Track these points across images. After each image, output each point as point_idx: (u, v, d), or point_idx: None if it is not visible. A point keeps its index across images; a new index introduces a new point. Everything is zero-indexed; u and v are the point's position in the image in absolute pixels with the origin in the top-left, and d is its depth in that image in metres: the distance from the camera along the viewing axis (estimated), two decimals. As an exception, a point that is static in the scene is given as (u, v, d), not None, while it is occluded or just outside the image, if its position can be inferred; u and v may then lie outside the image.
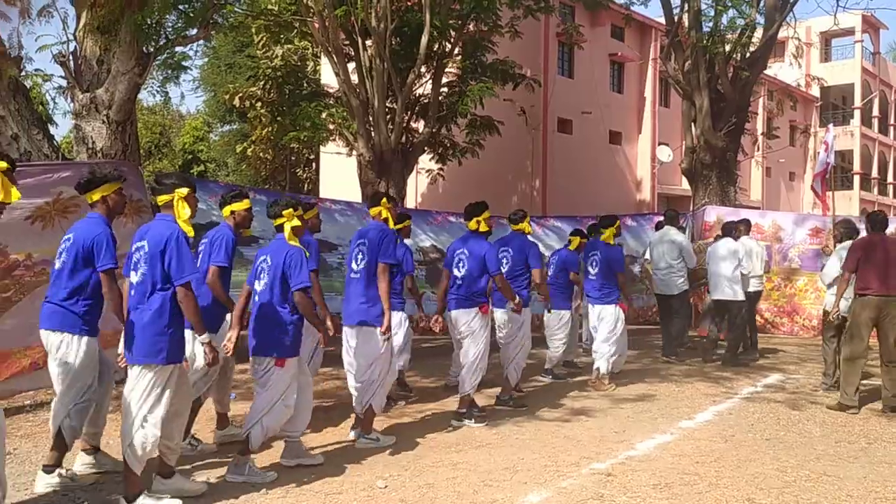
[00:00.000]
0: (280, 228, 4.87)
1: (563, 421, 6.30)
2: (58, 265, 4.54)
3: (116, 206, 4.57)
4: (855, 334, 6.58)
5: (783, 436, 5.81)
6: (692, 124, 13.79)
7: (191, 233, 4.27)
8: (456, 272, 6.22)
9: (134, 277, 4.14)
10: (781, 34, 14.59)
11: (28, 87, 7.39)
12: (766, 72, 21.05)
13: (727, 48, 13.35)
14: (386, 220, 5.72)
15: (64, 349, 4.43)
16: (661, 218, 13.08)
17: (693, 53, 13.25)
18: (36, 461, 4.78)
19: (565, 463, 5.00)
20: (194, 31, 7.49)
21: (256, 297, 4.75)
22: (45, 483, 4.36)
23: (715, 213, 12.81)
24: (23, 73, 7.24)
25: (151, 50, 7.18)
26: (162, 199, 4.30)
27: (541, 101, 22.74)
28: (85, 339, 4.48)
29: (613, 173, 26.59)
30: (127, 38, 6.82)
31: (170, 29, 7.31)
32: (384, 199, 5.78)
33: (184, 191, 4.27)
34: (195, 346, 4.61)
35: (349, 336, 5.55)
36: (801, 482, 4.63)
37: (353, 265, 5.56)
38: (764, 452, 5.30)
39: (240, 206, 5.12)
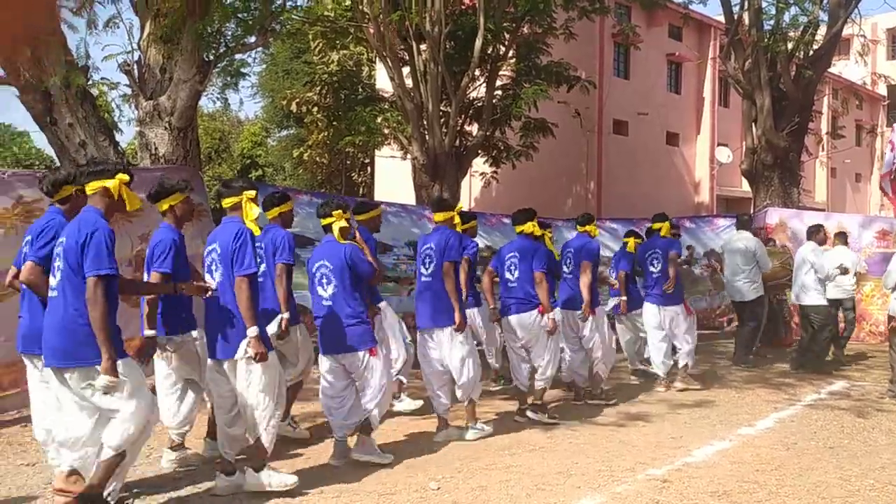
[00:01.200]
0: (328, 229, 5.04)
1: (618, 426, 6.23)
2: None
3: (185, 215, 4.73)
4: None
5: (847, 444, 5.64)
6: (753, 124, 13.47)
7: (257, 232, 4.46)
8: (508, 275, 6.23)
9: (211, 280, 4.32)
10: (846, 31, 14.14)
11: (95, 95, 7.63)
12: (830, 70, 20.49)
13: (789, 46, 13.00)
14: (454, 224, 5.82)
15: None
16: (721, 220, 12.92)
17: (754, 52, 12.96)
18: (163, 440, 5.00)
19: (620, 468, 4.94)
20: (253, 39, 7.65)
21: (327, 303, 4.93)
22: (168, 460, 4.83)
23: (777, 215, 12.49)
24: (90, 82, 7.47)
25: (211, 58, 7.37)
26: (229, 201, 4.45)
27: (596, 102, 22.52)
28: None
29: (670, 175, 26.17)
30: (188, 46, 7.01)
31: (229, 37, 7.47)
32: (458, 205, 5.97)
33: (251, 193, 4.44)
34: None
35: (425, 340, 5.70)
36: (865, 492, 4.49)
37: (423, 270, 5.70)
38: (827, 461, 5.16)
39: (286, 207, 5.28)
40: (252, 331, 4.20)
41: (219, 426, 4.45)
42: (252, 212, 4.39)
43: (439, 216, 5.83)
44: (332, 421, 5.04)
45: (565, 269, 7.10)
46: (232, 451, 4.39)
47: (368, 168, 27.26)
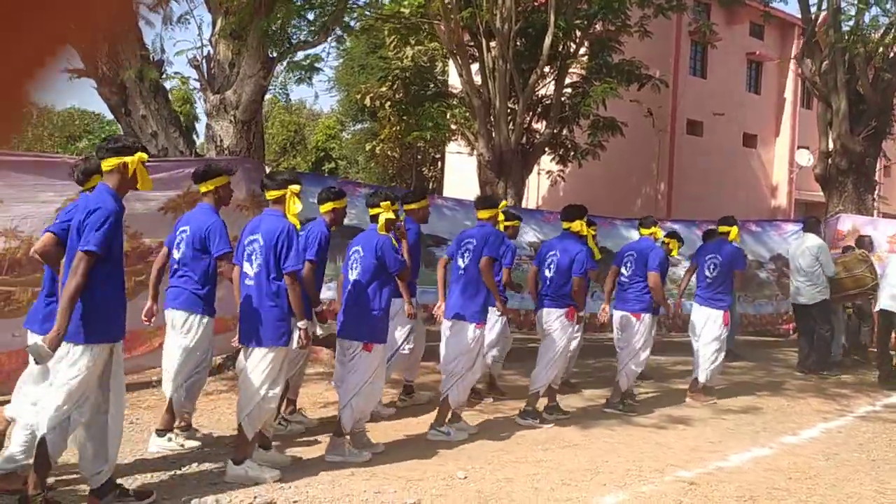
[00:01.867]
0: (374, 219, 5.14)
1: (658, 427, 6.22)
2: (177, 255, 4.99)
3: (225, 197, 4.96)
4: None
5: (892, 458, 5.51)
6: (828, 128, 13.06)
7: (298, 226, 4.61)
8: (546, 272, 6.29)
9: (249, 268, 4.50)
10: None
11: (168, 88, 8.03)
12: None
13: (868, 48, 12.54)
14: (497, 222, 5.90)
15: (187, 327, 4.90)
16: (789, 224, 12.59)
17: (831, 54, 12.55)
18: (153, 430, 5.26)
19: (650, 469, 4.96)
20: (312, 38, 7.90)
21: (350, 286, 5.04)
22: (157, 445, 4.86)
23: (850, 222, 12.10)
24: (163, 76, 7.87)
25: (276, 55, 7.66)
26: (273, 194, 4.60)
27: (669, 101, 22.15)
28: (206, 319, 4.94)
29: (746, 178, 25.47)
30: (254, 43, 7.30)
31: (294, 34, 7.74)
32: (503, 203, 5.99)
33: (296, 187, 4.58)
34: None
35: (445, 327, 5.76)
36: (899, 506, 4.40)
37: (460, 262, 5.75)
38: (866, 473, 5.06)
39: (340, 203, 5.40)
40: (302, 323, 4.44)
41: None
42: (295, 206, 4.56)
43: (483, 213, 5.92)
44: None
45: (624, 271, 7.05)
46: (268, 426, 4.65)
47: (439, 163, 27.52)
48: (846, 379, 8.77)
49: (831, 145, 12.94)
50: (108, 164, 3.83)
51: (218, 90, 7.55)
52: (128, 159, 3.82)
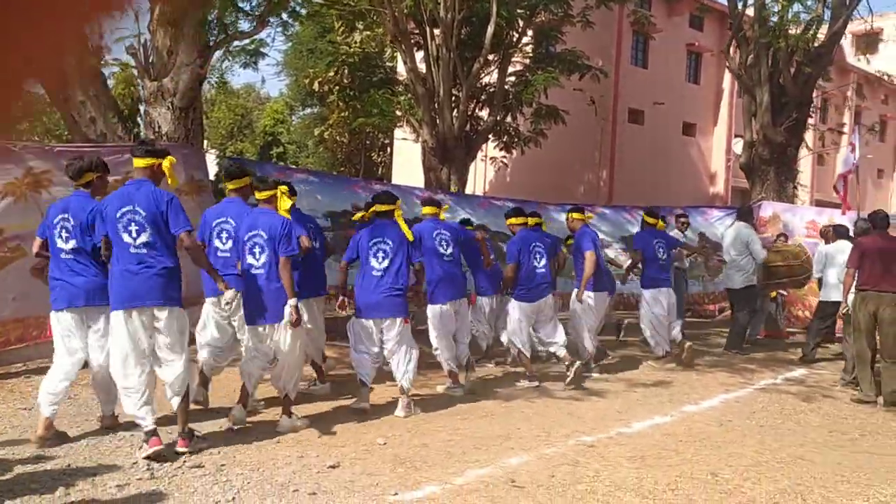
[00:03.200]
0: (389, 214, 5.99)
1: (574, 399, 6.68)
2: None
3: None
4: (856, 329, 6.79)
5: (779, 424, 6.05)
6: (752, 119, 13.73)
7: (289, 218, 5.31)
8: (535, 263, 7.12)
9: (254, 260, 5.10)
10: (877, 24, 14.28)
11: (106, 75, 8.17)
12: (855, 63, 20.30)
13: (790, 43, 13.20)
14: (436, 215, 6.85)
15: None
16: (715, 210, 13.22)
17: (755, 48, 13.18)
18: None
19: (557, 435, 5.40)
20: (250, 28, 8.13)
21: (379, 274, 5.78)
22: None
23: (771, 209, 12.78)
24: (102, 63, 8.01)
25: (213, 43, 7.87)
26: (265, 194, 5.27)
27: (611, 91, 22.75)
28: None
29: (686, 166, 26.30)
30: (190, 32, 7.51)
31: (231, 24, 7.95)
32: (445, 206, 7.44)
33: (284, 187, 5.32)
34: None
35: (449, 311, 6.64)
36: (772, 463, 4.90)
37: (443, 250, 6.60)
38: (752, 437, 5.57)
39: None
40: (292, 301, 4.99)
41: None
42: (286, 203, 5.26)
43: (427, 210, 6.80)
44: None
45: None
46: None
47: (388, 148, 27.73)
48: (758, 356, 9.37)
49: (754, 136, 13.60)
50: (143, 162, 4.56)
51: (156, 77, 7.74)
52: (162, 162, 4.60)
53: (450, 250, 6.65)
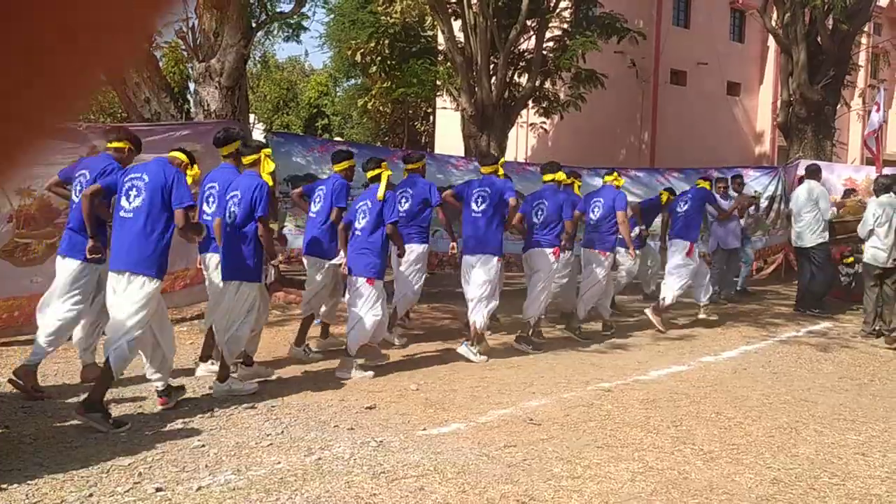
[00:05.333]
0: (375, 179, 6.19)
1: (598, 353, 7.10)
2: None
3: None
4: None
5: (793, 371, 6.38)
6: (789, 78, 13.73)
7: (272, 184, 5.47)
8: (535, 219, 7.16)
9: (229, 218, 5.32)
10: None
11: (159, 57, 8.72)
12: None
13: (825, 0, 13.12)
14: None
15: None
16: (752, 171, 13.31)
17: (791, 6, 13.15)
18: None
19: (577, 382, 5.85)
20: (288, 9, 8.60)
21: (358, 233, 6.02)
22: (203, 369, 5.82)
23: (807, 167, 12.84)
24: (154, 46, 8.57)
25: (255, 25, 8.36)
26: (249, 158, 5.49)
27: (652, 52, 22.68)
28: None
29: (730, 126, 26.06)
30: (234, 14, 8.00)
31: (271, 5, 8.43)
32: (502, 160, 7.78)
33: (268, 150, 5.58)
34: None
35: (470, 263, 6.74)
36: (776, 404, 5.27)
37: (475, 207, 6.75)
38: (762, 382, 5.94)
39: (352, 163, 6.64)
40: (274, 262, 5.34)
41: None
42: (269, 166, 5.45)
43: (486, 168, 6.96)
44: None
45: (592, 216, 7.97)
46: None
47: (430, 118, 28.09)
48: (785, 311, 9.61)
49: (791, 95, 13.61)
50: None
51: (203, 59, 8.27)
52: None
53: (482, 207, 6.82)
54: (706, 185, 8.88)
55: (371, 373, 5.86)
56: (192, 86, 8.70)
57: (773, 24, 13.83)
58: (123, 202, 4.69)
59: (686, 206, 8.46)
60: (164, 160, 4.91)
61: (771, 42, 26.95)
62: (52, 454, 3.98)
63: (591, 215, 7.95)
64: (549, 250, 7.02)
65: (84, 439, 4.21)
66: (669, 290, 8.12)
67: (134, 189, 4.69)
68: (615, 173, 8.41)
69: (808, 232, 9.42)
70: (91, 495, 3.43)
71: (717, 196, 10.24)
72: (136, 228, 4.61)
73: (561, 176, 7.46)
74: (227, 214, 5.34)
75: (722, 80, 25.71)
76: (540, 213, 7.16)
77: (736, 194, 10.50)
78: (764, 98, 27.07)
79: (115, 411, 4.72)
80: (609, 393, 5.50)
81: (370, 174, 6.24)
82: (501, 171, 7.07)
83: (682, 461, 4.07)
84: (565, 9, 17.31)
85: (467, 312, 6.71)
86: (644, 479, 3.80)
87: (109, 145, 5.42)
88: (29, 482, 3.55)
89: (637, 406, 5.15)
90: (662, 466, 3.98)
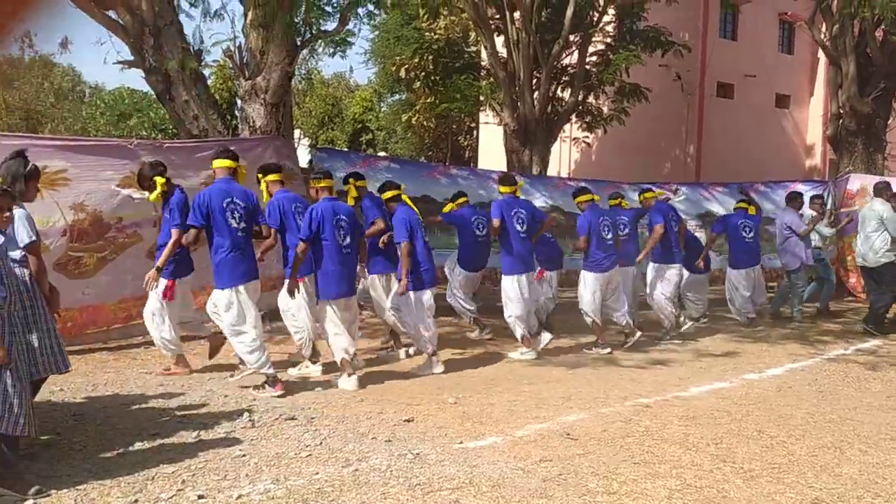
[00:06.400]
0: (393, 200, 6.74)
1: (638, 367, 7.04)
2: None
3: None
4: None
5: (839, 389, 6.24)
6: (838, 90, 13.47)
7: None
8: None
9: (346, 240, 6.00)
10: None
11: (207, 75, 8.97)
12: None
13: (876, 12, 12.85)
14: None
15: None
16: (800, 185, 13.07)
17: (840, 18, 12.92)
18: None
19: (616, 397, 5.81)
20: (333, 27, 8.77)
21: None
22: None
23: (859, 182, 12.56)
24: (202, 65, 8.81)
25: (299, 43, 8.55)
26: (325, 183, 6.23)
27: (698, 65, 22.46)
28: None
29: (779, 138, 25.61)
30: (279, 34, 8.19)
31: (316, 24, 8.60)
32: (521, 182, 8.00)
33: (363, 182, 6.62)
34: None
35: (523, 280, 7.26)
36: (821, 423, 5.16)
37: (519, 227, 7.22)
38: (807, 400, 5.82)
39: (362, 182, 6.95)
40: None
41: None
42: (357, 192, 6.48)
43: (504, 188, 7.38)
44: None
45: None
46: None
47: (474, 132, 28.22)
48: (835, 329, 9.40)
49: (840, 108, 13.36)
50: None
51: (250, 77, 8.47)
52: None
53: (525, 227, 7.19)
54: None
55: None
56: (238, 103, 8.89)
57: (822, 36, 13.59)
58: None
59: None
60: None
61: (822, 53, 26.50)
62: (100, 461, 4.11)
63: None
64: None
65: (130, 447, 4.34)
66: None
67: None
68: (656, 191, 8.45)
69: (872, 252, 9.16)
70: (136, 501, 3.54)
71: (796, 214, 10.03)
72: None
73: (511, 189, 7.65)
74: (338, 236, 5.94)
75: (770, 93, 25.33)
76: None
77: (813, 213, 10.28)
78: (815, 110, 26.56)
79: (166, 425, 4.85)
80: (648, 409, 5.45)
81: (385, 196, 6.76)
82: (519, 193, 7.62)
83: (722, 479, 4.02)
84: (608, 23, 17.27)
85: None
86: (682, 496, 3.77)
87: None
88: (77, 487, 3.67)
89: (676, 423, 5.10)
90: (701, 484, 3.94)
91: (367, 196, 7.06)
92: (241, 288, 5.59)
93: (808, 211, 10.41)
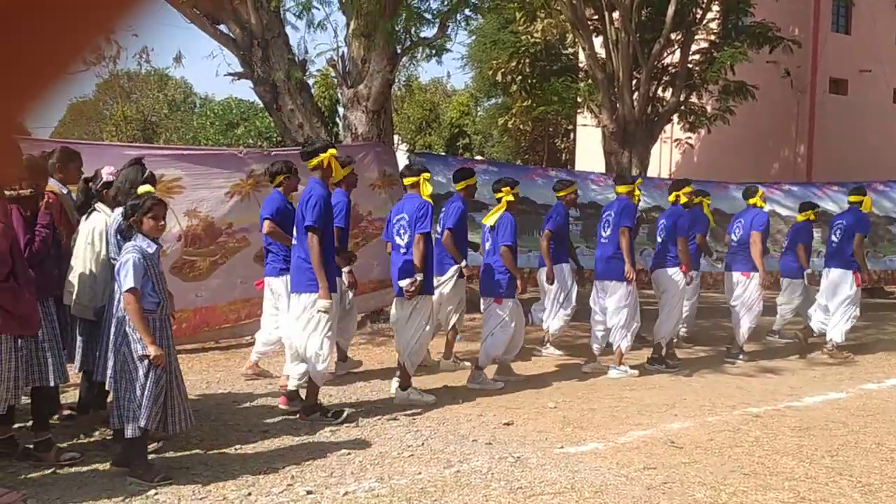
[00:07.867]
0: (499, 200, 6.32)
1: (746, 376, 6.80)
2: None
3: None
4: None
5: (968, 403, 5.85)
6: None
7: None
8: (658, 238, 7.27)
9: (400, 240, 5.66)
10: None
11: (311, 85, 9.26)
12: None
13: None
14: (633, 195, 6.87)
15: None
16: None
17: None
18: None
19: (722, 405, 5.63)
20: (432, 34, 8.88)
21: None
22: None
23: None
24: (307, 75, 9.10)
25: (400, 51, 8.70)
26: (409, 180, 5.83)
27: (809, 60, 21.49)
28: None
29: (899, 135, 24.19)
30: (380, 42, 8.36)
31: (416, 31, 8.74)
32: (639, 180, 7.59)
33: (427, 174, 5.86)
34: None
35: (596, 289, 6.87)
36: (947, 438, 4.85)
37: (603, 232, 6.80)
38: (932, 414, 5.48)
39: (471, 181, 6.58)
40: (418, 275, 5.50)
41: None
42: (427, 189, 5.76)
43: (621, 188, 6.85)
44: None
45: (733, 236, 7.77)
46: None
47: (571, 135, 27.94)
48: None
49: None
50: (310, 163, 5.06)
51: (352, 85, 8.69)
52: (322, 156, 5.03)
53: (607, 232, 6.75)
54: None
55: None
56: (340, 110, 9.14)
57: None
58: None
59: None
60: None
61: (944, 44, 24.89)
62: (215, 455, 4.31)
63: (732, 236, 7.71)
64: (671, 270, 6.96)
65: (244, 443, 4.53)
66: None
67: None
68: (757, 194, 7.92)
69: None
70: (250, 494, 3.69)
71: None
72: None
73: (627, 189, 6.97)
74: (398, 236, 5.67)
75: (888, 88, 23.95)
76: (662, 232, 7.15)
77: None
78: (938, 105, 24.94)
79: (274, 423, 5.04)
80: (758, 418, 5.26)
81: (497, 196, 6.38)
82: (638, 192, 7.09)
83: (838, 493, 3.84)
84: (712, 20, 16.77)
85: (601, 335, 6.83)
86: (794, 509, 3.62)
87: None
88: (195, 480, 3.86)
89: (789, 433, 4.90)
90: (815, 498, 3.77)
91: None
92: None
93: None
